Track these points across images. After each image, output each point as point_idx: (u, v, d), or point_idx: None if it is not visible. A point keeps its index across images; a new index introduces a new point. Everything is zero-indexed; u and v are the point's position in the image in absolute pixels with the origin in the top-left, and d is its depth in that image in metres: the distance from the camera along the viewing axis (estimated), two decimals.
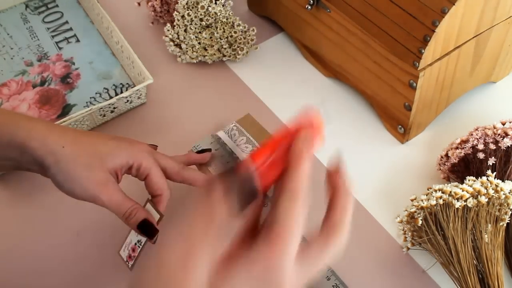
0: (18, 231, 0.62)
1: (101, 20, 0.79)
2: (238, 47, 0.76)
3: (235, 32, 0.75)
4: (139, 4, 0.85)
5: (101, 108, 0.68)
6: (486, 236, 0.51)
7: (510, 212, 0.53)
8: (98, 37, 0.81)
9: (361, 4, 0.62)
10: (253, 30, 0.77)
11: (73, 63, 0.78)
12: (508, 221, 0.53)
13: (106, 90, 0.75)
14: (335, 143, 0.68)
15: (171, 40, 0.77)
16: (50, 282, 0.58)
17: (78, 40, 0.81)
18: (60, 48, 0.80)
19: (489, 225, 0.52)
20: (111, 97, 0.73)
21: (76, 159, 0.50)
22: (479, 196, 0.51)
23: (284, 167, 0.37)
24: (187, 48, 0.75)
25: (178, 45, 0.77)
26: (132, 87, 0.74)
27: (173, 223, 0.33)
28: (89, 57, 0.79)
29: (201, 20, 0.75)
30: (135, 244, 0.54)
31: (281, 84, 0.75)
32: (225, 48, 0.76)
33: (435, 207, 0.52)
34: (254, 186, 0.36)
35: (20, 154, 0.50)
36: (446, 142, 0.63)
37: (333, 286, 0.51)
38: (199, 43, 0.76)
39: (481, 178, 0.53)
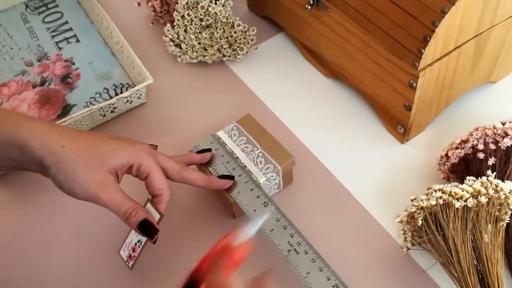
0: (18, 231, 0.62)
1: (101, 20, 0.79)
2: (238, 47, 0.76)
3: (235, 32, 0.75)
4: (139, 4, 0.84)
5: (101, 108, 0.68)
6: (486, 236, 0.51)
7: (510, 212, 0.53)
8: (98, 37, 0.81)
9: (361, 4, 0.62)
10: (253, 30, 0.77)
11: (73, 63, 0.78)
12: (508, 221, 0.53)
13: (106, 90, 0.75)
14: (335, 143, 0.69)
15: (171, 40, 0.77)
16: (50, 282, 0.58)
17: (78, 40, 0.81)
18: (60, 48, 0.80)
19: (489, 225, 0.52)
20: (111, 97, 0.73)
21: (77, 159, 0.50)
22: (479, 196, 0.51)
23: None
24: (187, 48, 0.75)
25: (178, 45, 0.77)
26: (132, 87, 0.74)
27: None
28: (89, 57, 0.79)
29: (201, 20, 0.75)
30: (135, 244, 0.54)
31: (281, 84, 0.75)
32: (225, 48, 0.76)
33: (435, 207, 0.52)
34: None
35: (20, 154, 0.50)
36: (446, 142, 0.63)
37: (333, 286, 0.50)
38: (199, 43, 0.76)
39: (481, 178, 0.53)
